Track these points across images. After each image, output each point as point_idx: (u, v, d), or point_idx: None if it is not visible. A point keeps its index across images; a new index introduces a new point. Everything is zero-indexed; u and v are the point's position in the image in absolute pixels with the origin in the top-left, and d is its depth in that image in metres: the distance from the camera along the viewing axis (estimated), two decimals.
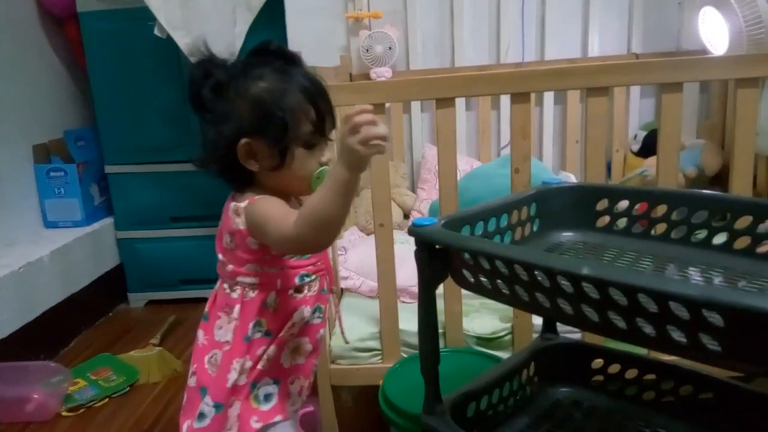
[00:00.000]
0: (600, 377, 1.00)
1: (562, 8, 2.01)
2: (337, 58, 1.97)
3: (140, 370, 1.83)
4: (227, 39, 1.97)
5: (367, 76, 1.98)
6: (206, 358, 0.93)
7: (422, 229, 0.75)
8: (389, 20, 2.00)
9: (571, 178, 1.86)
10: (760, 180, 1.70)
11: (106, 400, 1.72)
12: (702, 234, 0.85)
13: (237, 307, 0.91)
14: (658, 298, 0.52)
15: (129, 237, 2.36)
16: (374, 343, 1.34)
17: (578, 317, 0.60)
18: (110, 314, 2.37)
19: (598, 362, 1.00)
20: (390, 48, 1.96)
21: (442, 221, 0.79)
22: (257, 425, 0.92)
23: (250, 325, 0.90)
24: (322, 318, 0.99)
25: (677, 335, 0.53)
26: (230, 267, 0.92)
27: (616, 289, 0.56)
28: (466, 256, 0.72)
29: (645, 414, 0.92)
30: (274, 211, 0.85)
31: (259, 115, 0.84)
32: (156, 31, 1.91)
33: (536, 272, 0.62)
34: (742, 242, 0.81)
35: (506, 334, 1.32)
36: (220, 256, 0.95)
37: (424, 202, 1.96)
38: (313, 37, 1.99)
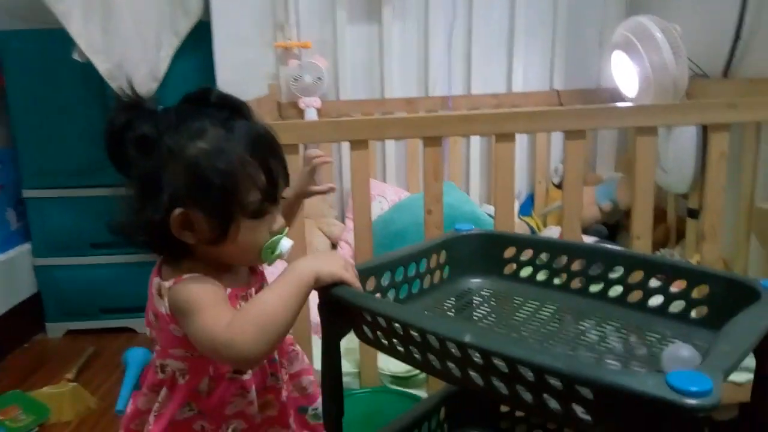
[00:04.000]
0: (508, 422, 1.02)
1: (487, 43, 2.06)
2: (266, 87, 1.95)
3: (51, 407, 1.75)
4: (151, 64, 1.93)
5: (295, 105, 1.97)
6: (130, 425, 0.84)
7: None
8: (319, 50, 2.00)
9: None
10: (670, 216, 1.78)
11: None
12: (599, 286, 0.88)
13: (164, 391, 0.80)
14: (535, 369, 0.55)
15: (47, 264, 2.25)
16: None
17: (465, 380, 0.62)
18: (26, 345, 2.26)
19: (505, 407, 1.02)
20: (319, 78, 1.96)
21: None
22: None
23: (178, 410, 0.79)
24: (278, 381, 0.86)
25: (553, 404, 0.56)
26: (157, 347, 0.81)
27: (497, 358, 0.58)
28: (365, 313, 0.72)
29: None
30: (205, 303, 0.71)
31: (196, 183, 0.71)
32: (75, 56, 1.85)
33: (427, 335, 0.63)
34: (635, 296, 0.84)
35: (421, 372, 1.33)
36: (148, 331, 0.82)
37: (353, 231, 1.96)
38: (242, 64, 1.97)
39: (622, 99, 1.71)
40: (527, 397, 0.57)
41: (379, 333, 0.71)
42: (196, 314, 0.71)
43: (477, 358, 0.59)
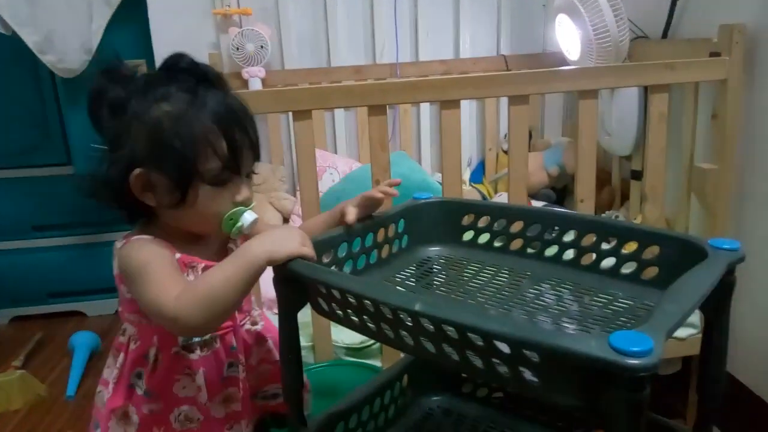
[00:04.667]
0: (470, 386, 1.04)
1: (433, 10, 2.03)
2: (206, 57, 1.88)
3: None
4: (83, 36, 1.83)
5: (239, 76, 1.91)
6: (96, 391, 0.85)
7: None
8: (260, 18, 1.94)
9: None
10: (615, 178, 1.82)
11: None
12: (554, 250, 0.89)
13: (121, 356, 0.81)
14: (483, 335, 0.55)
15: None
16: None
17: (418, 348, 0.63)
18: None
19: None
20: (262, 47, 1.90)
21: None
22: None
23: (132, 374, 0.80)
24: (238, 372, 0.84)
25: (502, 369, 0.57)
26: (120, 308, 0.83)
27: (446, 326, 0.58)
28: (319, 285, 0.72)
29: (511, 422, 0.98)
30: (154, 268, 0.72)
31: (155, 144, 0.73)
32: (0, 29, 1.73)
33: (380, 306, 0.63)
34: (588, 258, 0.85)
35: (375, 343, 1.34)
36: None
37: None
38: (179, 34, 1.89)
39: (567, 63, 1.72)
40: (477, 362, 0.58)
41: (333, 305, 0.71)
42: (142, 280, 0.72)
43: (428, 325, 0.60)
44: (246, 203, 0.79)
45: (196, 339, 0.80)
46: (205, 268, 0.78)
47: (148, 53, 1.88)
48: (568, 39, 1.66)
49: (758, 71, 1.27)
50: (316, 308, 0.75)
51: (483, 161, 2.15)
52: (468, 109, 2.12)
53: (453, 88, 1.19)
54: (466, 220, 0.97)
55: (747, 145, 1.32)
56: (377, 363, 1.33)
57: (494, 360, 0.57)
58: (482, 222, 0.95)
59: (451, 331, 0.58)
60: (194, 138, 0.73)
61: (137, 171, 0.73)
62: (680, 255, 0.75)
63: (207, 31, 1.94)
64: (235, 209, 0.77)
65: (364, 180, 1.80)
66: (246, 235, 0.79)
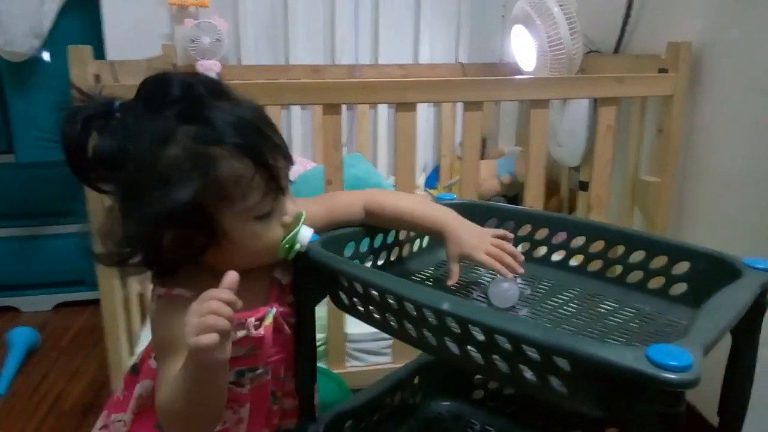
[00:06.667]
0: (481, 393, 1.03)
1: (394, 13, 2.04)
2: (159, 48, 1.83)
3: None
4: (32, 19, 1.75)
5: (193, 69, 1.87)
6: (112, 417, 0.74)
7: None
8: (218, 10, 1.90)
9: None
10: (564, 188, 1.86)
11: None
12: (578, 259, 0.87)
13: (150, 383, 0.70)
14: (512, 339, 0.54)
15: None
16: None
17: (441, 348, 0.61)
18: None
19: (479, 377, 1.02)
20: (218, 40, 1.86)
21: (323, 239, 0.75)
22: None
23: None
24: (279, 404, 0.77)
25: (529, 375, 0.54)
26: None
27: (474, 326, 0.56)
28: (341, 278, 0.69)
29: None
30: (168, 358, 0.62)
31: (176, 204, 0.59)
32: None
33: (405, 303, 0.61)
34: (613, 270, 0.84)
35: (321, 344, 1.32)
36: None
37: None
38: (132, 23, 1.83)
39: (522, 73, 1.75)
40: (503, 367, 0.56)
41: (355, 299, 0.69)
42: (160, 357, 0.63)
43: (454, 326, 0.58)
44: (297, 220, 0.69)
45: (249, 374, 0.72)
46: (257, 326, 0.69)
47: (98, 41, 1.81)
48: (523, 50, 1.69)
49: (702, 88, 1.33)
50: (336, 302, 0.73)
51: (438, 167, 2.16)
52: (425, 114, 2.13)
53: (409, 90, 1.19)
54: (490, 224, 0.94)
55: (689, 160, 1.37)
56: (322, 364, 1.32)
57: (521, 366, 0.55)
58: (506, 228, 0.92)
59: (478, 333, 0.56)
60: (221, 182, 0.60)
61: (168, 236, 0.61)
62: (711, 272, 0.72)
63: (161, 21, 1.88)
64: (290, 234, 0.68)
65: (318, 181, 1.78)
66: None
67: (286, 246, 0.68)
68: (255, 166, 0.62)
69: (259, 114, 0.66)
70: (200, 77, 0.67)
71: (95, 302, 1.22)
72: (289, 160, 0.67)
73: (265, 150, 0.63)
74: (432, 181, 2.16)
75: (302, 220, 0.69)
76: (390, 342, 1.37)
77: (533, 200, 1.29)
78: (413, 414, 1.00)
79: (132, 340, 1.29)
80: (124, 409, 0.73)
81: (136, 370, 0.74)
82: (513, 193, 1.95)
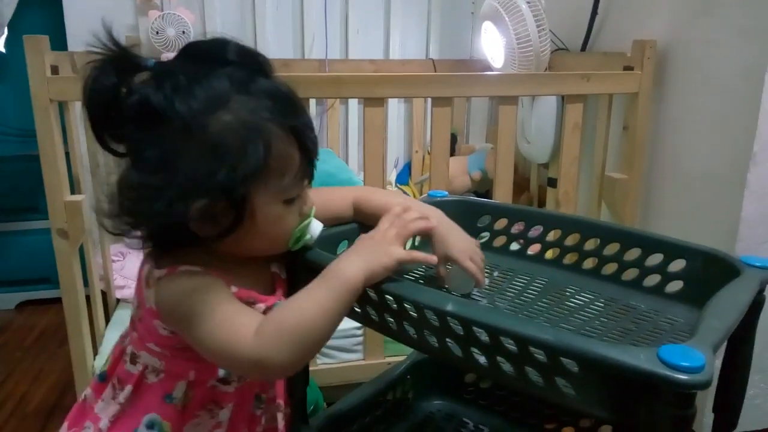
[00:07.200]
0: (473, 392, 1.01)
1: (364, 8, 2.03)
2: (123, 40, 1.78)
3: None
4: None
5: None
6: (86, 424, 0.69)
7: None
8: (184, 2, 1.86)
9: None
10: (533, 185, 1.88)
11: None
12: (573, 257, 0.85)
13: (128, 388, 0.66)
14: (518, 340, 0.52)
15: None
16: None
17: (442, 350, 0.59)
18: None
19: (470, 376, 1.01)
20: (183, 32, 1.82)
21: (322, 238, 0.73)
22: None
23: (143, 420, 0.65)
24: (263, 409, 0.72)
25: (534, 376, 0.53)
26: (134, 334, 0.67)
27: (479, 328, 0.55)
28: None
29: (514, 430, 0.96)
30: (218, 307, 0.58)
31: (223, 169, 0.56)
32: None
33: (405, 304, 0.60)
34: (609, 268, 0.83)
35: None
36: (132, 308, 0.69)
37: None
38: (94, 13, 1.77)
39: (491, 70, 1.76)
40: (507, 368, 0.55)
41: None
42: (203, 321, 0.58)
43: (457, 327, 0.56)
44: (310, 212, 0.68)
45: None
46: (266, 310, 0.64)
47: (61, 30, 1.76)
48: (492, 47, 1.70)
49: (667, 86, 1.35)
50: None
51: (409, 163, 2.16)
52: (396, 110, 2.12)
53: (378, 85, 1.18)
54: (483, 221, 0.92)
55: (655, 156, 1.39)
56: None
57: (527, 367, 0.53)
58: (499, 224, 0.91)
59: (482, 334, 0.55)
60: (271, 155, 0.58)
61: (200, 203, 0.57)
62: (707, 270, 0.72)
63: (125, 12, 1.84)
64: (303, 223, 0.66)
65: None
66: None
67: (297, 235, 0.66)
68: (299, 148, 0.61)
69: (294, 93, 0.64)
70: (254, 51, 0.63)
71: (60, 301, 1.19)
72: (315, 148, 0.65)
73: (309, 133, 0.62)
74: (404, 176, 2.16)
75: (313, 212, 0.69)
76: (361, 339, 1.36)
77: (502, 196, 1.30)
78: (405, 415, 0.98)
79: (96, 339, 1.26)
80: (95, 417, 0.69)
81: (104, 378, 0.70)
82: (484, 189, 1.96)
